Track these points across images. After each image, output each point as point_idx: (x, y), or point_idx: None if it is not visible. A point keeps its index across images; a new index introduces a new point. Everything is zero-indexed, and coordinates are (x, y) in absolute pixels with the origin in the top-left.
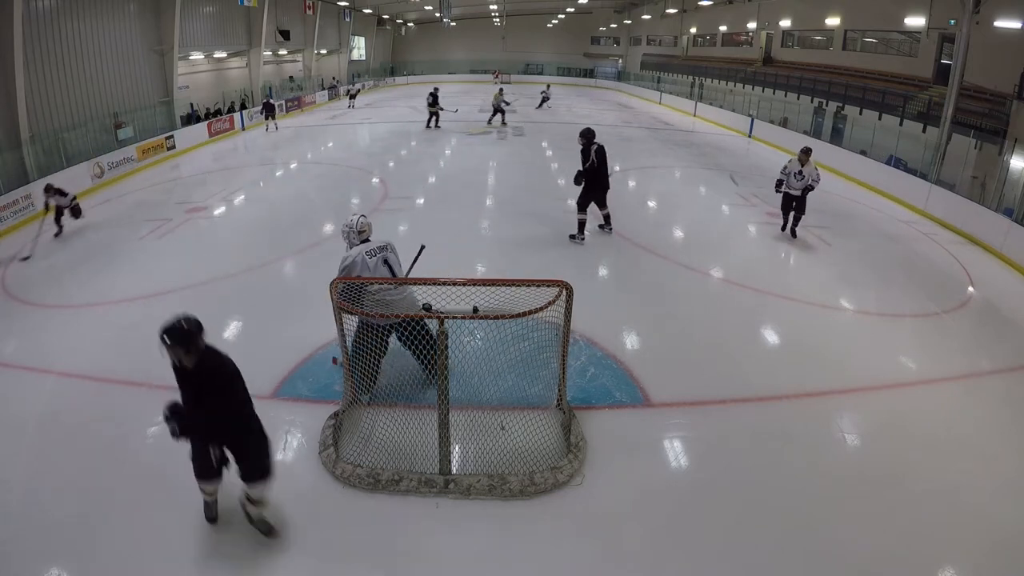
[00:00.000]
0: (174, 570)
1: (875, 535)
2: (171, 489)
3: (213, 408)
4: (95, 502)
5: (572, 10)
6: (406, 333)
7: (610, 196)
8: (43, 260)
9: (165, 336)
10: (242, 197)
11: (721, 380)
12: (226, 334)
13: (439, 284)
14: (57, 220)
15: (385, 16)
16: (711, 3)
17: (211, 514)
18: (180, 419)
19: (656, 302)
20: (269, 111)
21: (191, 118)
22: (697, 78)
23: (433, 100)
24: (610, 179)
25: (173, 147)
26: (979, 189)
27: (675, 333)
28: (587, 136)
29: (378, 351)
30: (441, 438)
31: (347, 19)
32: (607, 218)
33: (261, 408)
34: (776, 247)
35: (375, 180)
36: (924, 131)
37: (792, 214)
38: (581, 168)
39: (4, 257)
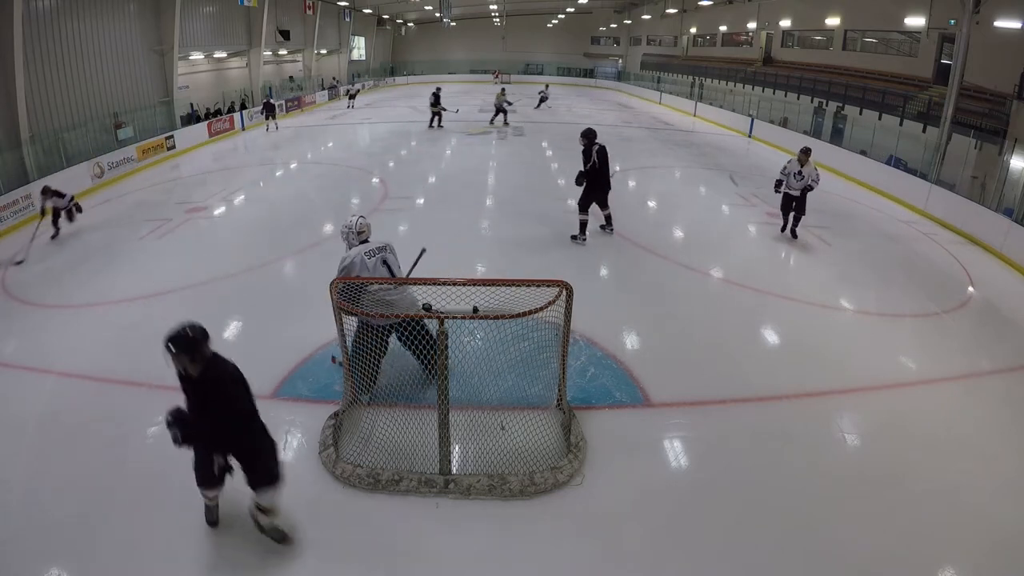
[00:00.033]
0: (174, 570)
1: (875, 535)
2: (171, 489)
3: (218, 416)
4: (95, 502)
5: (572, 10)
6: (406, 333)
7: (610, 196)
8: (43, 260)
9: (170, 344)
10: (242, 197)
11: (721, 380)
12: (226, 334)
13: (439, 284)
14: (54, 222)
15: (385, 16)
16: (711, 3)
17: (212, 518)
18: (183, 426)
19: (656, 302)
20: (269, 111)
21: (191, 118)
22: (697, 78)
23: (435, 100)
24: (611, 179)
25: (173, 147)
26: (979, 189)
27: (675, 333)
28: (588, 136)
29: (378, 351)
30: (441, 438)
31: (347, 19)
32: (608, 219)
33: (261, 408)
34: (776, 247)
35: (375, 180)
36: (924, 131)
37: (792, 214)
38: (583, 169)
39: (1, 259)
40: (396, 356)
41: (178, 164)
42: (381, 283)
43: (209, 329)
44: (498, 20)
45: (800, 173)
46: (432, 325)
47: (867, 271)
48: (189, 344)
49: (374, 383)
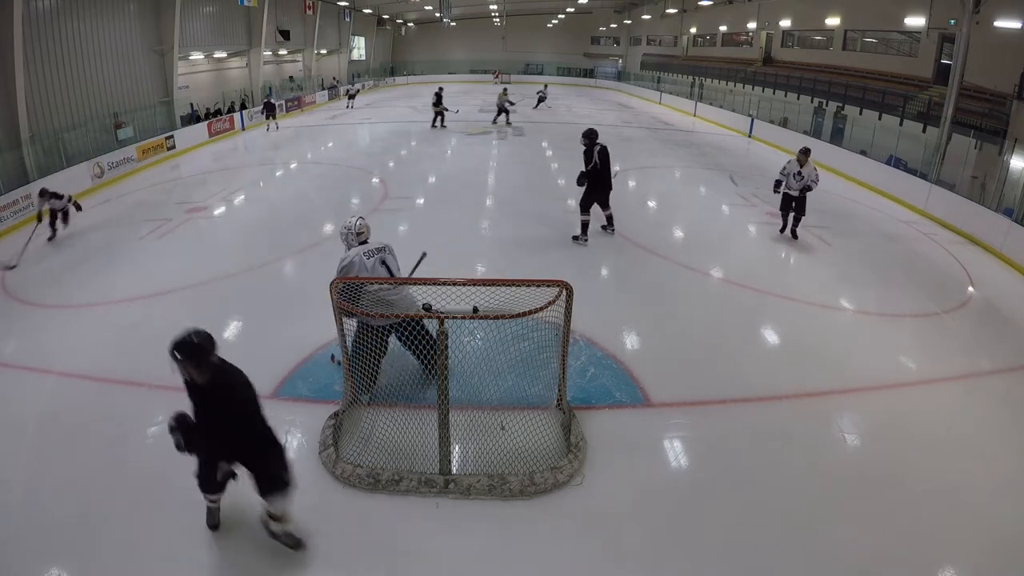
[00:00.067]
0: (174, 570)
1: (875, 535)
2: (171, 489)
3: (226, 424)
4: (95, 502)
5: (572, 10)
6: (405, 333)
7: (611, 196)
8: (43, 261)
9: (175, 352)
10: (242, 197)
11: (721, 380)
12: (226, 334)
13: (439, 284)
14: (52, 223)
15: (385, 16)
16: (711, 3)
17: (213, 521)
18: (186, 433)
19: (656, 302)
20: (270, 111)
21: (191, 118)
22: (697, 78)
23: (437, 100)
24: (612, 180)
25: (173, 147)
26: (979, 189)
27: (675, 333)
28: (590, 137)
29: (378, 351)
30: (441, 438)
31: (347, 19)
32: (610, 219)
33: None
34: (776, 247)
35: (375, 180)
36: (924, 131)
37: (792, 215)
38: (584, 169)
39: (1, 260)
40: (396, 356)
41: (178, 164)
42: (381, 283)
43: (209, 329)
44: (498, 20)
45: (800, 173)
46: (432, 325)
47: (867, 271)
48: (195, 351)
49: (374, 383)
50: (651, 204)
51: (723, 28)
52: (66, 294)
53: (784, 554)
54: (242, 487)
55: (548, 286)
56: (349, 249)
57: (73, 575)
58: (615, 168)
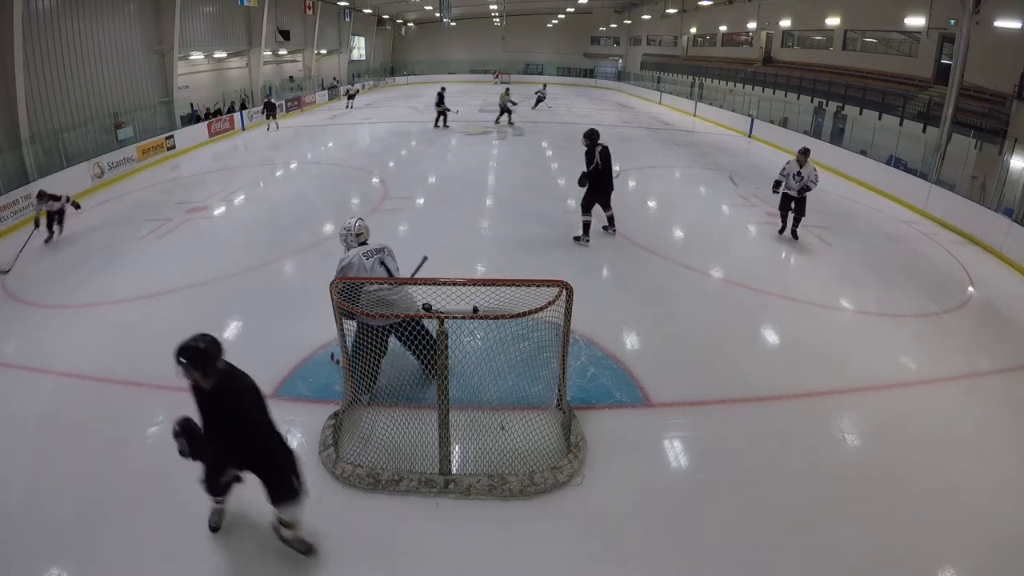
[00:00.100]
0: (174, 570)
1: (875, 535)
2: (171, 489)
3: (231, 431)
4: (95, 502)
5: (572, 10)
6: (405, 333)
7: (612, 196)
8: (43, 261)
9: (180, 356)
10: (242, 197)
11: (721, 380)
12: (226, 334)
13: (439, 284)
14: (49, 225)
15: (385, 16)
16: (711, 3)
17: (216, 522)
18: (191, 438)
19: (656, 302)
20: (270, 110)
21: (191, 118)
22: (697, 78)
23: (440, 100)
24: (614, 180)
25: (173, 147)
26: (979, 189)
27: (675, 333)
28: (591, 137)
29: (378, 351)
30: (441, 438)
31: (347, 19)
32: (611, 219)
33: None
34: (776, 247)
35: (375, 180)
36: (924, 131)
37: (792, 215)
38: (586, 170)
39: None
40: (396, 356)
41: (178, 164)
42: (380, 283)
43: (209, 329)
44: (498, 20)
45: (799, 174)
46: (432, 325)
47: (867, 271)
48: (200, 356)
49: (374, 383)
50: (651, 204)
51: (723, 28)
52: (66, 294)
53: (784, 554)
54: (244, 487)
55: (548, 286)
56: (348, 250)
57: (73, 575)
58: (617, 168)
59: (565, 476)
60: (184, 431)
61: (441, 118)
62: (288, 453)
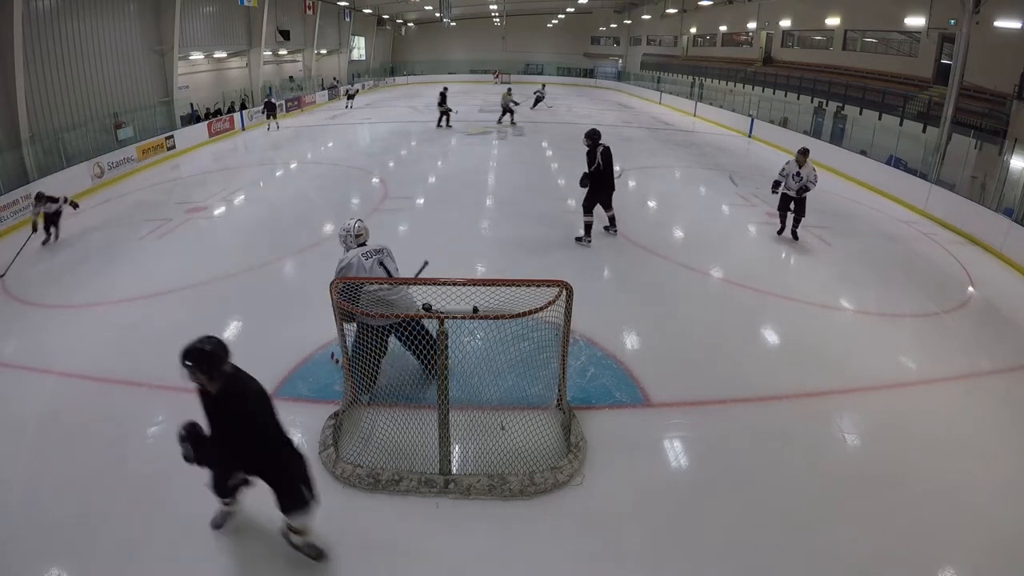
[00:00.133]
0: (174, 570)
1: (875, 535)
2: (171, 489)
3: (238, 436)
4: (95, 502)
5: (572, 10)
6: (405, 333)
7: (612, 196)
8: (43, 261)
9: (185, 359)
10: (242, 197)
11: (721, 380)
12: (226, 334)
13: (439, 284)
14: (47, 228)
15: (385, 16)
16: (711, 3)
17: (220, 522)
18: (196, 444)
19: (656, 302)
20: (270, 110)
21: (191, 118)
22: (697, 78)
23: (442, 100)
24: (615, 180)
25: (173, 147)
26: (979, 189)
27: (675, 333)
28: (593, 137)
29: (378, 352)
30: (441, 438)
31: (347, 19)
32: (612, 220)
33: None
34: (776, 247)
35: (375, 180)
36: (924, 131)
37: (792, 216)
38: (587, 170)
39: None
40: (396, 356)
41: (178, 164)
42: (380, 283)
43: (209, 329)
44: (498, 20)
45: (799, 174)
46: (432, 325)
47: (867, 271)
48: (206, 359)
49: (374, 383)
50: (651, 204)
51: (723, 28)
52: (66, 294)
53: (784, 554)
54: (252, 488)
55: (548, 286)
56: (347, 251)
57: (73, 575)
58: (619, 168)
59: (565, 476)
60: (190, 436)
61: (444, 118)
62: (298, 460)
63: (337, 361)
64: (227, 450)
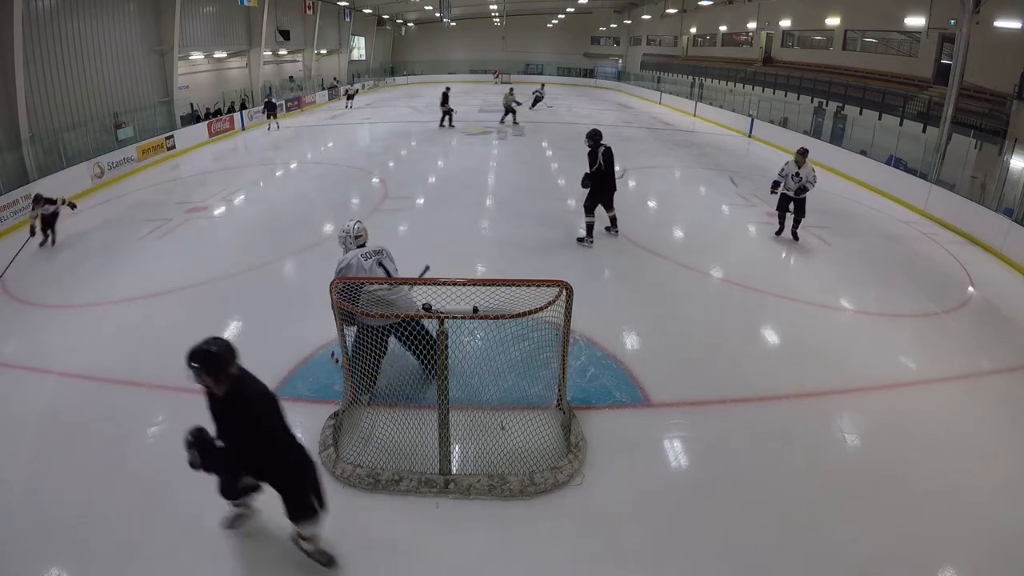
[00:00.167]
0: (174, 570)
1: (875, 535)
2: (171, 489)
3: (244, 441)
4: (95, 502)
5: (572, 10)
6: (405, 333)
7: (614, 197)
8: (43, 261)
9: (191, 360)
10: (242, 197)
11: (721, 380)
12: (226, 334)
13: (439, 284)
14: (44, 230)
15: (385, 16)
16: (711, 3)
17: (231, 524)
18: (203, 450)
19: (656, 302)
20: (271, 110)
21: (191, 118)
22: (697, 78)
23: (444, 99)
24: (616, 181)
25: (173, 147)
26: (979, 189)
27: (675, 333)
28: (594, 138)
29: (378, 352)
30: (441, 438)
31: (347, 19)
32: (613, 220)
33: None
34: (776, 247)
35: (375, 180)
36: (924, 131)
37: (792, 217)
38: (588, 171)
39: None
40: (396, 356)
41: (178, 164)
42: (380, 283)
43: (210, 329)
44: (498, 20)
45: (798, 174)
46: (432, 325)
47: (867, 271)
48: (212, 361)
49: (374, 383)
50: (651, 204)
51: (723, 28)
52: (66, 294)
53: (784, 554)
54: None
55: (548, 286)
56: (346, 252)
57: (73, 575)
58: (621, 168)
59: (565, 476)
60: (197, 441)
61: (446, 118)
62: (306, 467)
63: (337, 361)
64: (233, 454)
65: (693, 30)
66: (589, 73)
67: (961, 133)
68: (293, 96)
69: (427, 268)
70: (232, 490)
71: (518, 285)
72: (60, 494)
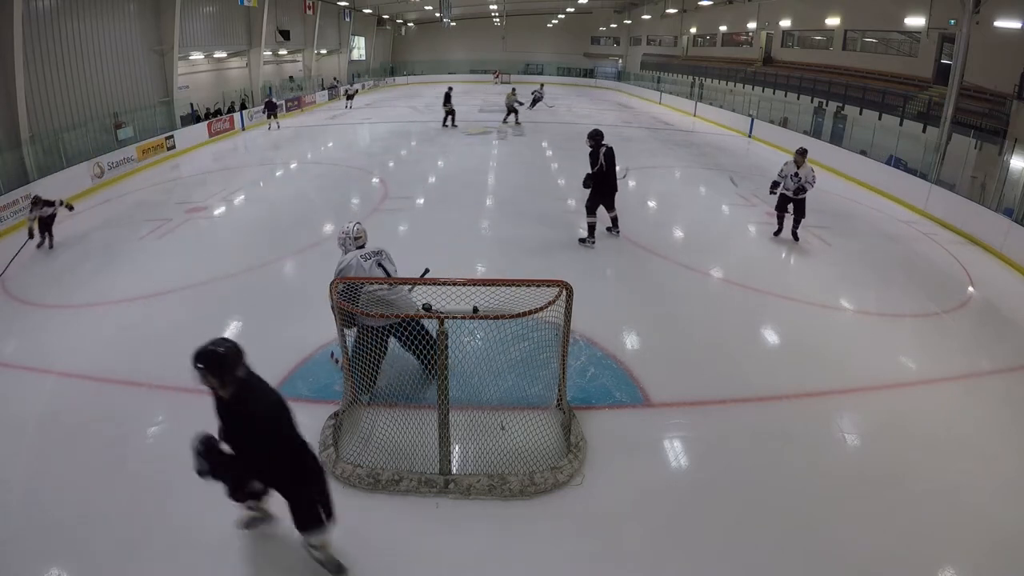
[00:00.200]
0: (174, 570)
1: (875, 535)
2: (171, 489)
3: (250, 445)
4: (95, 502)
5: (572, 10)
6: (405, 334)
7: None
8: (43, 261)
9: (198, 362)
10: (242, 197)
11: (721, 380)
12: (226, 334)
13: (439, 284)
14: (42, 232)
15: (385, 16)
16: (711, 3)
17: (245, 525)
18: (213, 459)
19: (656, 302)
20: (271, 110)
21: (191, 118)
22: (697, 78)
23: (446, 99)
24: (618, 181)
25: (173, 147)
26: (979, 189)
27: (675, 333)
28: (595, 138)
29: (378, 353)
30: (441, 438)
31: (347, 19)
32: (615, 221)
33: None
34: (776, 247)
35: (375, 180)
36: (924, 131)
37: (792, 217)
38: (590, 171)
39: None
40: (396, 356)
41: (178, 164)
42: (380, 283)
43: (210, 329)
44: (498, 20)
45: (796, 175)
46: (432, 325)
47: (867, 271)
48: (218, 363)
49: (374, 384)
50: (651, 204)
51: (723, 28)
52: (66, 294)
53: (784, 554)
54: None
55: (548, 286)
56: (346, 254)
57: (73, 575)
58: (625, 168)
59: (565, 476)
60: (207, 450)
61: (449, 117)
62: (314, 477)
63: (337, 361)
64: (240, 459)
65: (693, 30)
66: (589, 73)
67: (961, 133)
68: (293, 96)
69: (427, 271)
70: (239, 493)
71: (518, 285)
72: (60, 494)
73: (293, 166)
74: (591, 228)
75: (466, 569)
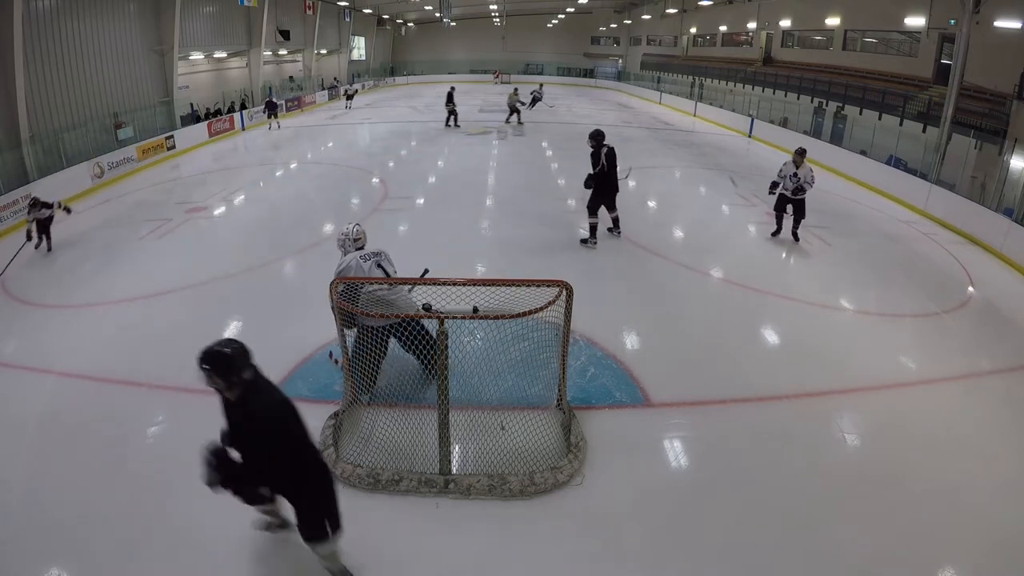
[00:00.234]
0: (174, 570)
1: (875, 535)
2: (171, 489)
3: (255, 449)
4: (95, 502)
5: (572, 10)
6: (405, 334)
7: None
8: (43, 261)
9: (203, 363)
10: (242, 197)
11: (721, 380)
12: (226, 334)
13: (439, 284)
14: (40, 234)
15: (385, 16)
16: (711, 3)
17: (262, 527)
18: (223, 470)
19: (656, 302)
20: (272, 110)
21: (191, 118)
22: (697, 78)
23: (449, 99)
24: (619, 181)
25: (173, 147)
26: (979, 189)
27: (675, 333)
28: (597, 138)
29: (378, 353)
30: (441, 438)
31: (347, 19)
32: (616, 221)
33: None
34: (776, 247)
35: (375, 180)
36: (924, 131)
37: (792, 217)
38: (591, 172)
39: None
40: (396, 356)
41: (178, 164)
42: (380, 283)
43: (210, 329)
44: (498, 20)
45: (795, 175)
46: (432, 325)
47: (867, 271)
48: (224, 364)
49: (374, 384)
50: (651, 204)
51: (723, 28)
52: (66, 294)
53: (784, 554)
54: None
55: (548, 286)
56: (346, 255)
57: (73, 575)
58: (628, 167)
59: (565, 476)
60: (218, 461)
61: (452, 117)
62: (323, 486)
63: (336, 361)
64: (247, 465)
65: (693, 30)
66: (589, 73)
67: (961, 133)
68: (293, 96)
69: (426, 271)
70: (253, 496)
71: (518, 285)
72: (60, 494)
73: (293, 166)
74: (593, 228)
75: (466, 569)
